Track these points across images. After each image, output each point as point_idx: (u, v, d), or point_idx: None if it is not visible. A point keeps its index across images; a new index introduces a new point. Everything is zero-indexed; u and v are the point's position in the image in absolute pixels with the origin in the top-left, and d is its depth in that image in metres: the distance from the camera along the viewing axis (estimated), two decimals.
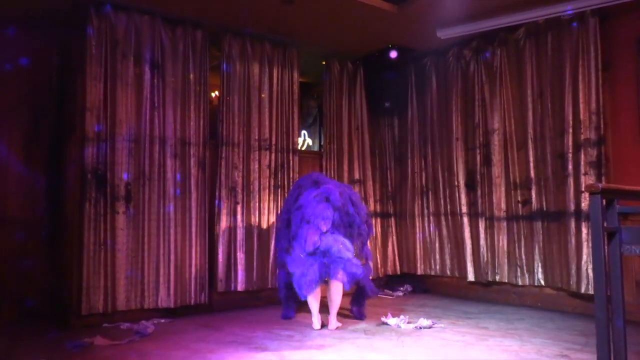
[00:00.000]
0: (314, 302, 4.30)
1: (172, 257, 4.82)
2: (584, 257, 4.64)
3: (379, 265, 6.37)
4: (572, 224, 4.76)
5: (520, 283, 5.20)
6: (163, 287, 4.75)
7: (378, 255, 6.37)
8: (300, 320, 4.57)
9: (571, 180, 4.80)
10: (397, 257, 6.56)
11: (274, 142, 5.56)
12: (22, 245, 4.74)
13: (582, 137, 4.74)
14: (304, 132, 7.62)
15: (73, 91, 4.72)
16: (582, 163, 4.73)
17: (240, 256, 5.21)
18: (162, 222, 4.80)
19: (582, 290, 4.64)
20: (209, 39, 5.23)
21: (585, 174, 4.71)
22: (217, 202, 5.18)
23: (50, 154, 4.97)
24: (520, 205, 5.24)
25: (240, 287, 5.20)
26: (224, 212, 5.19)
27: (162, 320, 4.59)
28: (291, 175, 5.61)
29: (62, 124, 4.93)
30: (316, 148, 7.51)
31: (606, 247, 1.90)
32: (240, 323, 4.54)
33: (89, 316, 4.38)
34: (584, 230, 4.68)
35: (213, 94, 6.23)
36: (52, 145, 4.97)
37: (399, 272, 6.52)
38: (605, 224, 1.90)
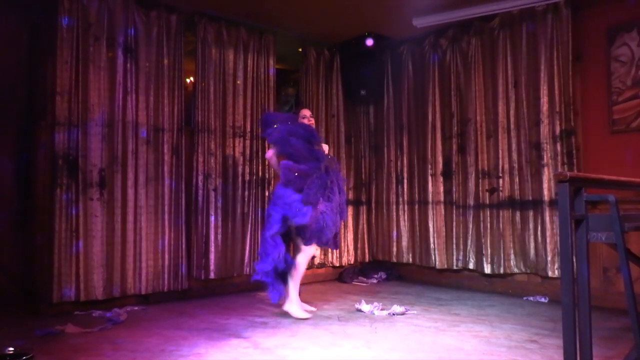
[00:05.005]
0: None
1: (145, 244, 4.77)
2: (556, 244, 4.74)
3: (353, 253, 6.42)
4: (547, 213, 4.84)
5: (490, 271, 5.28)
6: (136, 274, 4.71)
7: (351, 243, 6.41)
8: (274, 308, 4.57)
9: (545, 170, 4.88)
10: (371, 245, 6.61)
11: (248, 129, 5.52)
12: None
13: (556, 127, 4.82)
14: None
15: (43, 74, 4.60)
16: (556, 153, 4.81)
17: (216, 243, 5.18)
18: (135, 209, 4.75)
19: (556, 275, 4.75)
20: (184, 24, 5.15)
21: (560, 164, 4.78)
22: (193, 189, 5.15)
23: (20, 138, 4.85)
24: (493, 194, 5.30)
25: (214, 274, 5.18)
26: (199, 199, 5.16)
27: (136, 308, 4.55)
28: (266, 163, 5.57)
29: (32, 108, 4.81)
30: None
31: (574, 234, 1.94)
32: (214, 310, 4.53)
33: (61, 304, 4.32)
34: (556, 219, 4.77)
35: (188, 80, 6.15)
36: (21, 130, 4.85)
37: (373, 260, 6.57)
38: (573, 212, 1.94)
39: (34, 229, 4.65)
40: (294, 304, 4.27)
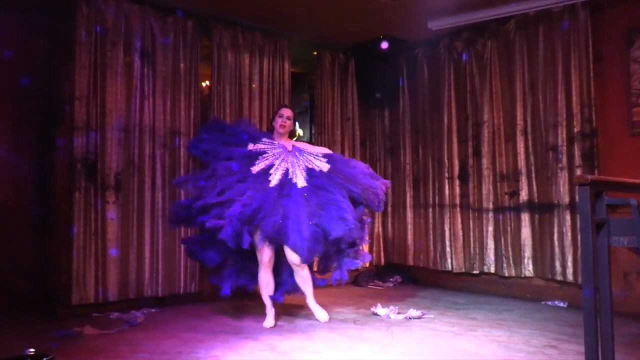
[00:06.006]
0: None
1: (162, 246, 4.81)
2: (578, 248, 4.67)
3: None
4: (566, 216, 4.78)
5: (507, 274, 5.23)
6: (153, 276, 4.75)
7: (367, 246, 6.37)
8: (289, 311, 4.57)
9: (563, 173, 4.82)
10: (387, 248, 6.58)
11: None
12: (11, 234, 4.70)
13: (575, 129, 4.76)
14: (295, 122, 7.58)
15: (61, 79, 4.67)
16: (575, 155, 4.75)
17: None
18: (152, 211, 4.78)
19: (580, 281, 4.66)
20: (199, 29, 5.19)
21: (579, 166, 4.73)
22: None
23: (39, 142, 4.92)
24: (510, 197, 5.25)
25: None
26: None
27: (152, 310, 4.58)
28: None
29: (51, 112, 4.88)
30: (307, 138, 7.49)
31: (595, 239, 1.91)
32: (230, 313, 4.54)
33: (79, 306, 4.36)
34: (574, 223, 4.71)
35: (204, 84, 6.19)
36: (40, 133, 4.92)
37: (389, 263, 6.55)
38: (594, 216, 1.92)
39: (52, 231, 4.71)
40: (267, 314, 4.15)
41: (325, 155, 4.41)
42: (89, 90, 4.51)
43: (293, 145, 4.37)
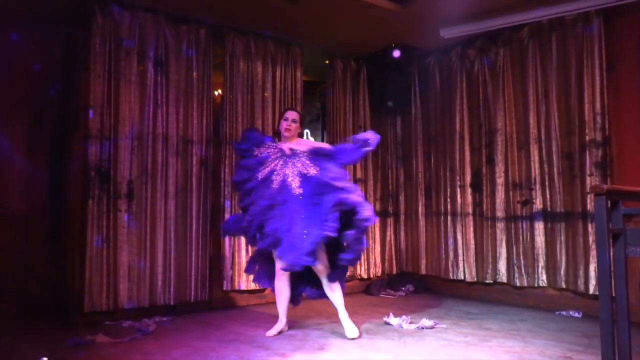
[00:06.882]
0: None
1: (173, 254, 4.82)
2: (591, 258, 4.61)
3: (380, 265, 6.38)
4: (580, 225, 4.74)
5: (520, 284, 5.18)
6: (166, 284, 4.76)
7: (378, 255, 6.36)
8: (302, 320, 4.56)
9: (578, 181, 4.78)
10: (399, 257, 6.55)
11: (276, 140, 5.54)
12: (25, 241, 4.75)
13: (588, 137, 4.72)
14: (306, 130, 7.61)
15: (76, 88, 4.72)
16: (588, 164, 4.71)
17: (243, 254, 5.20)
18: (164, 220, 4.80)
19: (591, 291, 4.61)
20: (212, 37, 5.23)
21: (591, 174, 4.68)
22: (221, 200, 5.19)
23: (54, 150, 4.98)
24: (525, 206, 5.21)
25: (243, 285, 5.20)
26: (227, 210, 5.19)
27: (164, 318, 4.58)
28: None
29: (66, 121, 4.93)
30: None
31: (611, 249, 1.89)
32: (242, 321, 4.53)
33: (92, 314, 4.38)
34: (591, 232, 4.65)
35: (216, 92, 6.22)
36: (55, 142, 4.97)
37: (401, 272, 6.51)
38: (610, 226, 1.90)
39: (66, 238, 4.75)
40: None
41: (312, 157, 4.14)
42: (103, 98, 4.56)
43: (290, 148, 4.19)
